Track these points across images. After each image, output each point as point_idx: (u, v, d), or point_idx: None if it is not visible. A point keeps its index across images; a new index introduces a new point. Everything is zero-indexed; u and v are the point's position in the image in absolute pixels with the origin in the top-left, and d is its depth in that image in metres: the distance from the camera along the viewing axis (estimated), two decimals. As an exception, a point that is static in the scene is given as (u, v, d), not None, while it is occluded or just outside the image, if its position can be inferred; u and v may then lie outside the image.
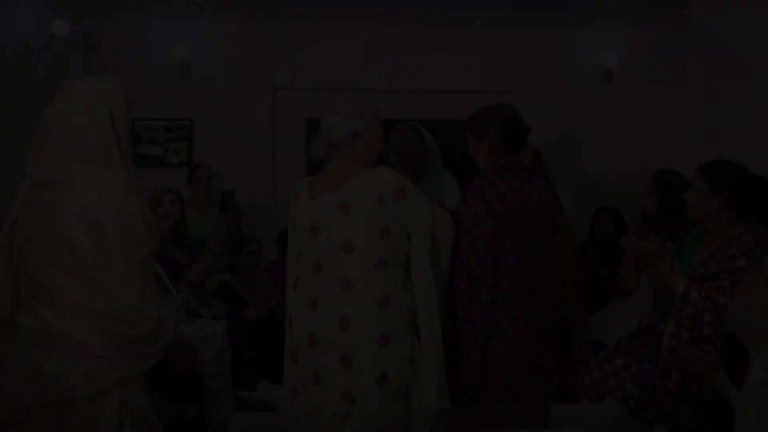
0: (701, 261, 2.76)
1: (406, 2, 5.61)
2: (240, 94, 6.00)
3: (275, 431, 2.45)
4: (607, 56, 6.20)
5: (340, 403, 2.42)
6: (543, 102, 5.90)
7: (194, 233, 4.96)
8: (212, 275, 4.49)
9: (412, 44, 6.09)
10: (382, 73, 6.07)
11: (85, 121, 2.06)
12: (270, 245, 5.42)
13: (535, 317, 2.89)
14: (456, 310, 2.81)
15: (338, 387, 2.44)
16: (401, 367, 2.47)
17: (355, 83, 5.94)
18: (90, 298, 2.00)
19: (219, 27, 5.96)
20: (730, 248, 2.67)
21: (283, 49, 6.03)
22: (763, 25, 3.64)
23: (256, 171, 5.93)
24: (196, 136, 6.01)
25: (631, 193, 6.21)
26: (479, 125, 2.93)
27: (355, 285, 2.43)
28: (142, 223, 2.06)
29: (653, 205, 3.61)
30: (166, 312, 3.75)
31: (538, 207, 2.92)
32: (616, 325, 3.88)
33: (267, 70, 6.03)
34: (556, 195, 3.63)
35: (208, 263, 3.98)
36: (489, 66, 6.21)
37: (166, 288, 4.01)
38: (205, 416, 3.80)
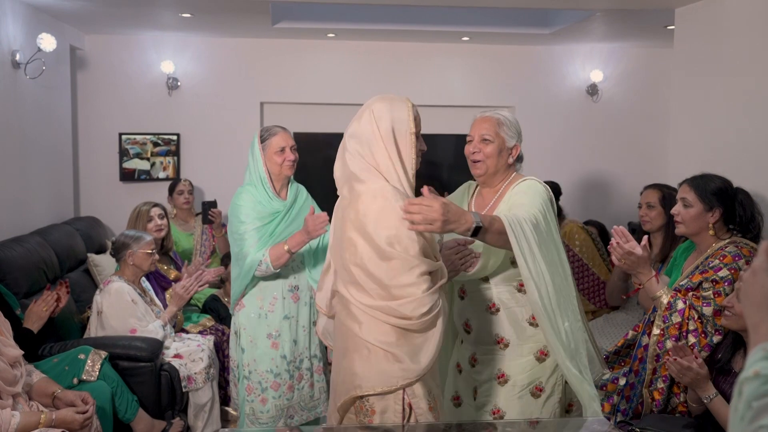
0: (688, 273, 2.78)
1: (394, 17, 5.65)
2: (228, 108, 6.01)
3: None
4: (592, 71, 6.26)
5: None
6: (529, 116, 5.94)
7: (177, 246, 4.99)
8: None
9: (400, 59, 6.13)
10: (370, 88, 6.06)
11: (368, 138, 2.16)
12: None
13: None
14: None
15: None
16: None
17: (342, 98, 5.96)
18: (373, 301, 2.09)
19: (207, 42, 5.97)
20: (713, 259, 2.70)
21: (271, 64, 6.05)
22: (743, 41, 3.69)
23: (243, 185, 5.89)
24: (183, 151, 6.01)
25: (617, 207, 6.28)
26: None
27: None
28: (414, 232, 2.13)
29: (659, 219, 3.63)
30: (153, 327, 3.76)
31: None
32: (603, 339, 3.90)
33: (254, 84, 6.05)
34: None
35: (201, 276, 3.95)
36: (476, 81, 6.26)
37: (153, 302, 3.99)
38: (192, 431, 3.78)
